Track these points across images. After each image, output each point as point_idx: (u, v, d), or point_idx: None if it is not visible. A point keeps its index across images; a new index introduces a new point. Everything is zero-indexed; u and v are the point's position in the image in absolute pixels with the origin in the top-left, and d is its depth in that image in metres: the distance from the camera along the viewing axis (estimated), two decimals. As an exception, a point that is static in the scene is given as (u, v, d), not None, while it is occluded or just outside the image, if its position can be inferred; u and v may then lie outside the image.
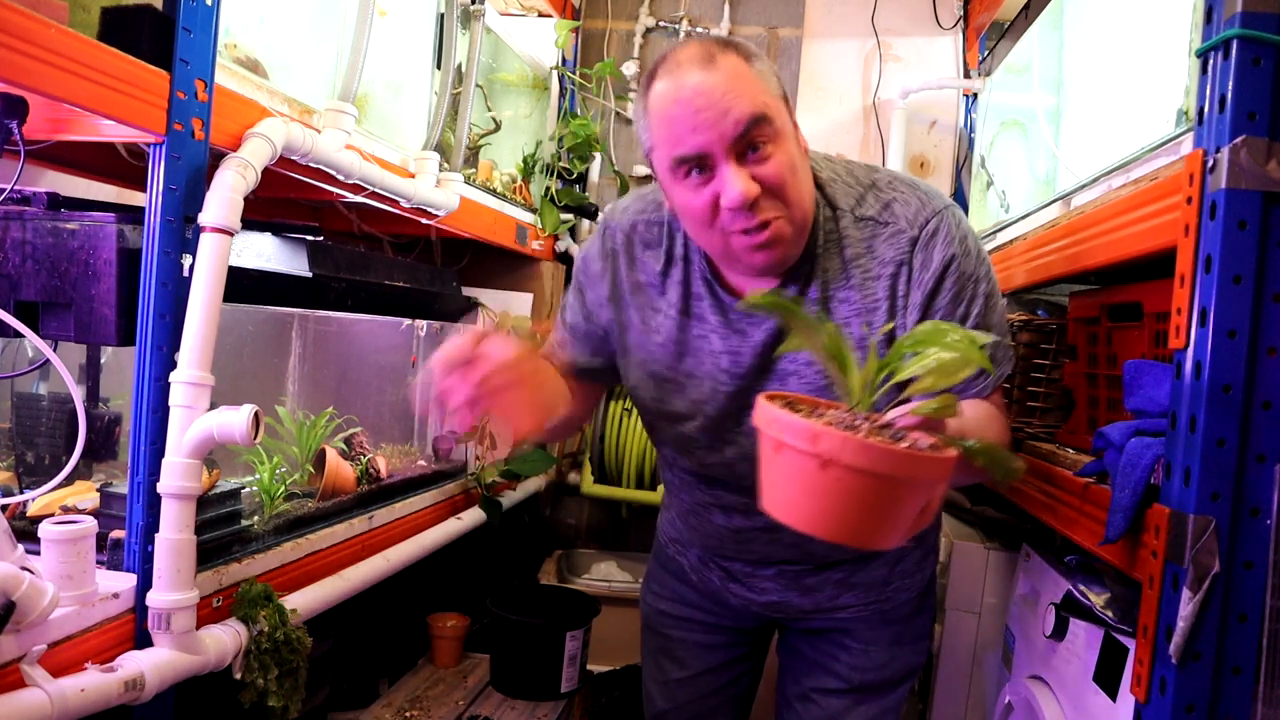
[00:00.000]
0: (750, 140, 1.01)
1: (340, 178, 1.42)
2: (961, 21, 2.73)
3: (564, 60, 2.62)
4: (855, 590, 1.32)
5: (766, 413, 0.78)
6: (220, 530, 1.23)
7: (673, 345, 1.20)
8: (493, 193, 2.15)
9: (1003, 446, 0.85)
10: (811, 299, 1.13)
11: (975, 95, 2.68)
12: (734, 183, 1.00)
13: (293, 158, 1.29)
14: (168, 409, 1.07)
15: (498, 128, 2.39)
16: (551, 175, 2.48)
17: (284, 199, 1.77)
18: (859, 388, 0.81)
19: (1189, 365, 0.92)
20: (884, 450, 0.73)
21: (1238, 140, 0.87)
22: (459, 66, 1.92)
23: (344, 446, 1.70)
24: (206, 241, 1.10)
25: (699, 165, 1.02)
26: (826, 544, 1.26)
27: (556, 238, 2.57)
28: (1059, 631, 1.37)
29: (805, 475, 0.75)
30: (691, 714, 1.48)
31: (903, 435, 0.78)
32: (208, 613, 1.15)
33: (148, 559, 1.07)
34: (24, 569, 0.90)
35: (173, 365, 1.08)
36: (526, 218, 2.34)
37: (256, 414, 1.07)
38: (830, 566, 1.31)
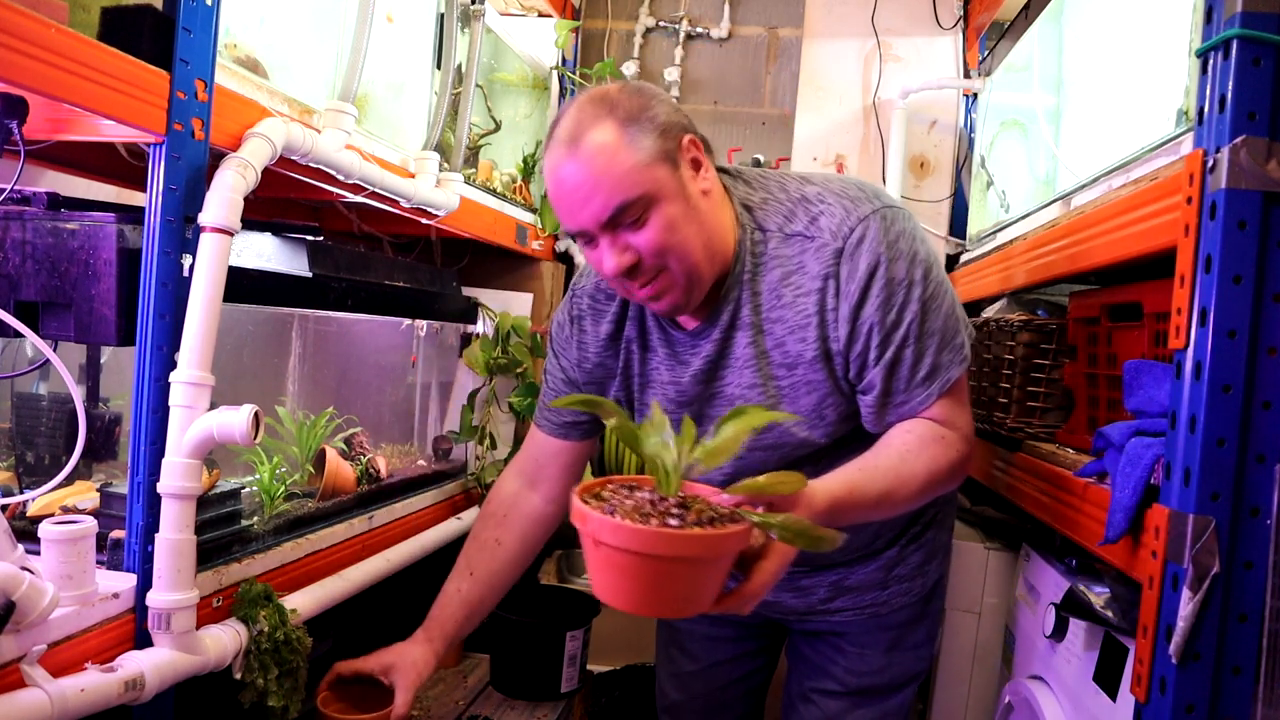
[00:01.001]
0: (620, 219, 1.06)
1: (340, 178, 1.42)
2: (961, 21, 2.73)
3: (564, 60, 2.62)
4: (850, 593, 1.32)
5: (580, 512, 0.84)
6: (220, 530, 1.23)
7: (637, 378, 1.27)
8: (493, 193, 2.15)
9: (808, 524, 0.85)
10: (744, 321, 1.16)
11: (975, 95, 2.68)
12: (607, 258, 1.09)
13: (293, 158, 1.29)
14: (168, 409, 1.07)
15: (498, 128, 2.39)
16: (551, 175, 2.48)
17: (284, 199, 1.77)
18: (665, 466, 0.87)
19: (1189, 365, 0.92)
20: (632, 530, 0.80)
21: (1238, 140, 0.87)
22: (459, 66, 1.92)
23: (344, 446, 1.70)
24: (206, 241, 1.10)
25: (583, 236, 1.10)
26: None
27: (556, 238, 2.57)
28: (1059, 631, 1.37)
29: (590, 553, 0.84)
30: (703, 706, 1.49)
31: (713, 512, 0.85)
32: (208, 613, 1.15)
33: (148, 559, 1.07)
34: (24, 569, 0.90)
35: (173, 365, 1.08)
36: (526, 218, 2.34)
37: (256, 414, 1.07)
38: (823, 569, 1.31)
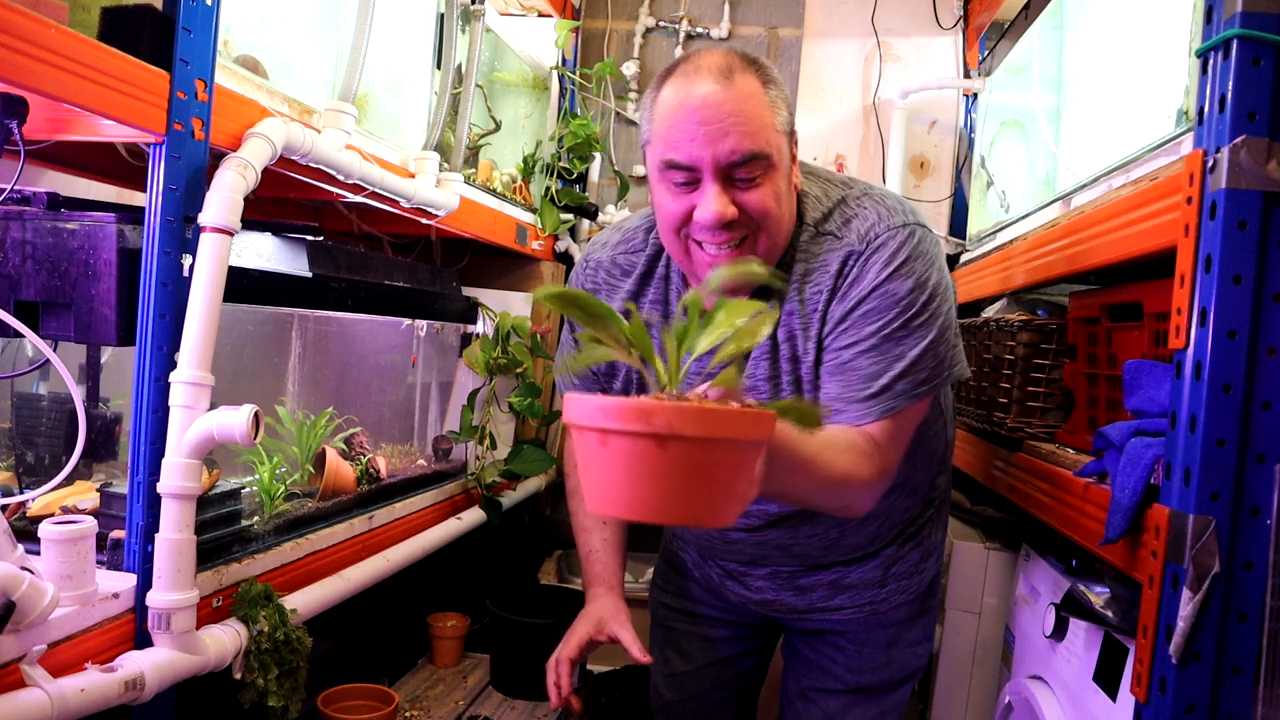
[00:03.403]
0: (741, 169, 1.03)
1: (340, 178, 1.42)
2: (961, 21, 2.73)
3: (564, 60, 2.62)
4: (849, 591, 1.32)
5: (586, 405, 0.72)
6: (220, 530, 1.23)
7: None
8: (493, 193, 2.15)
9: (812, 413, 0.78)
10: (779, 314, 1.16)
11: (975, 95, 2.68)
12: (712, 202, 1.03)
13: (293, 158, 1.29)
14: (168, 409, 1.07)
15: (498, 128, 2.39)
16: (551, 175, 2.48)
17: (284, 199, 1.77)
18: (670, 369, 0.78)
19: (1189, 365, 0.92)
20: (720, 412, 0.70)
21: (1238, 140, 0.87)
22: (459, 66, 1.92)
23: (344, 446, 1.70)
24: (206, 241, 1.10)
25: (686, 173, 1.04)
26: (815, 546, 1.28)
27: (556, 238, 2.57)
28: (1059, 631, 1.37)
29: (642, 459, 0.71)
30: (697, 706, 1.49)
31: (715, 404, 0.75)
32: (208, 613, 1.15)
33: (148, 559, 1.07)
34: (24, 569, 0.90)
35: (173, 365, 1.08)
36: (526, 218, 2.34)
37: (256, 414, 1.07)
38: (823, 568, 1.31)
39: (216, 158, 1.15)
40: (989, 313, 1.86)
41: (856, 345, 1.08)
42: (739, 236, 1.06)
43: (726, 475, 0.74)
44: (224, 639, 1.14)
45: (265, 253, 1.43)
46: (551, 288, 0.78)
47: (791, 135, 1.10)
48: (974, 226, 2.46)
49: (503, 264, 2.44)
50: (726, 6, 2.78)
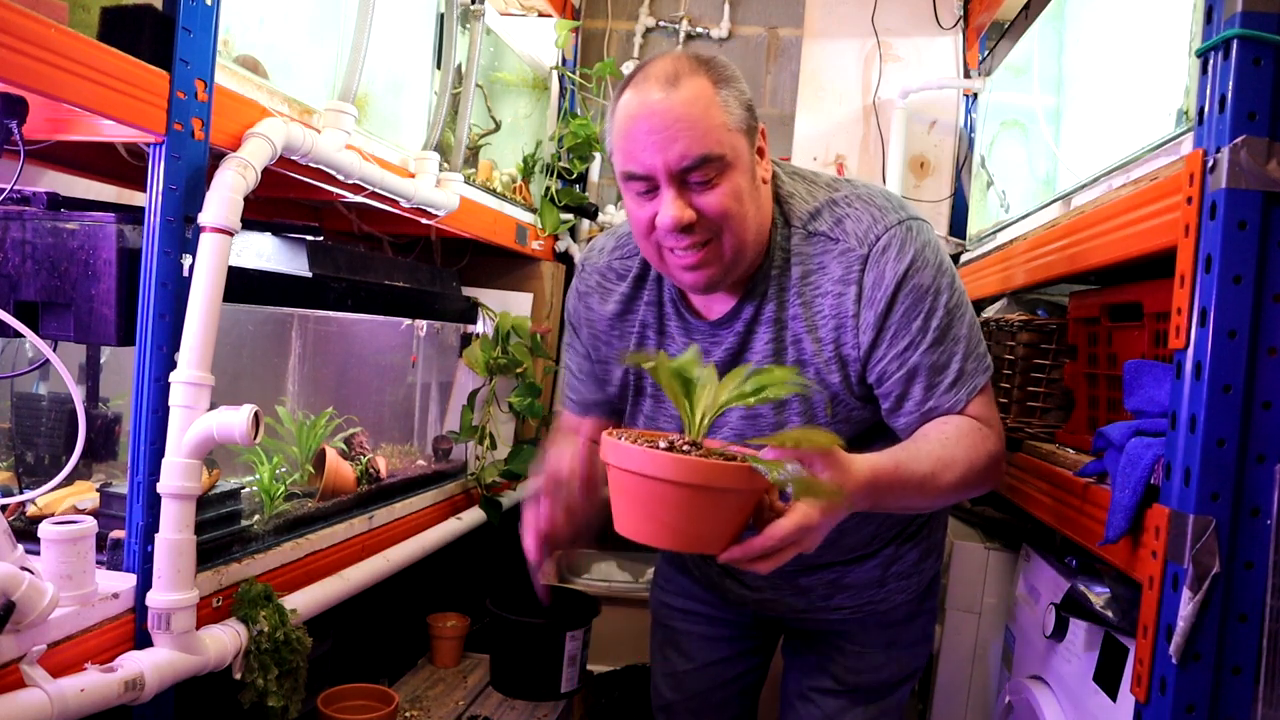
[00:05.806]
0: (694, 173, 1.05)
1: (340, 178, 1.42)
2: (961, 21, 2.73)
3: (564, 60, 2.62)
4: (848, 591, 1.32)
5: (614, 448, 0.90)
6: (220, 530, 1.23)
7: None
8: (493, 193, 2.15)
9: (818, 479, 0.88)
10: (766, 317, 1.16)
11: (975, 95, 2.68)
12: (668, 208, 1.06)
13: (293, 158, 1.29)
14: (168, 409, 1.07)
15: (498, 128, 2.39)
16: (551, 175, 2.48)
17: (284, 199, 1.77)
18: (695, 415, 0.92)
19: (1189, 365, 0.92)
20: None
21: (1238, 140, 0.87)
22: (459, 66, 1.92)
23: (344, 446, 1.70)
24: (206, 241, 1.10)
25: (644, 182, 1.07)
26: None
27: (556, 238, 2.57)
28: (1059, 631, 1.37)
29: (650, 497, 0.88)
30: (697, 706, 1.49)
31: (723, 455, 0.90)
32: (208, 613, 1.15)
33: (147, 559, 1.07)
34: (24, 569, 0.90)
35: (173, 365, 1.08)
36: (526, 218, 2.34)
37: (256, 414, 1.07)
38: (822, 567, 1.32)
39: (216, 158, 1.15)
40: (989, 313, 1.86)
41: (917, 346, 1.10)
42: (702, 239, 1.08)
43: (724, 514, 0.88)
44: (224, 639, 1.14)
45: (265, 253, 1.43)
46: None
47: (751, 131, 1.10)
48: (974, 226, 2.46)
49: (503, 264, 2.44)
50: (726, 6, 2.78)
